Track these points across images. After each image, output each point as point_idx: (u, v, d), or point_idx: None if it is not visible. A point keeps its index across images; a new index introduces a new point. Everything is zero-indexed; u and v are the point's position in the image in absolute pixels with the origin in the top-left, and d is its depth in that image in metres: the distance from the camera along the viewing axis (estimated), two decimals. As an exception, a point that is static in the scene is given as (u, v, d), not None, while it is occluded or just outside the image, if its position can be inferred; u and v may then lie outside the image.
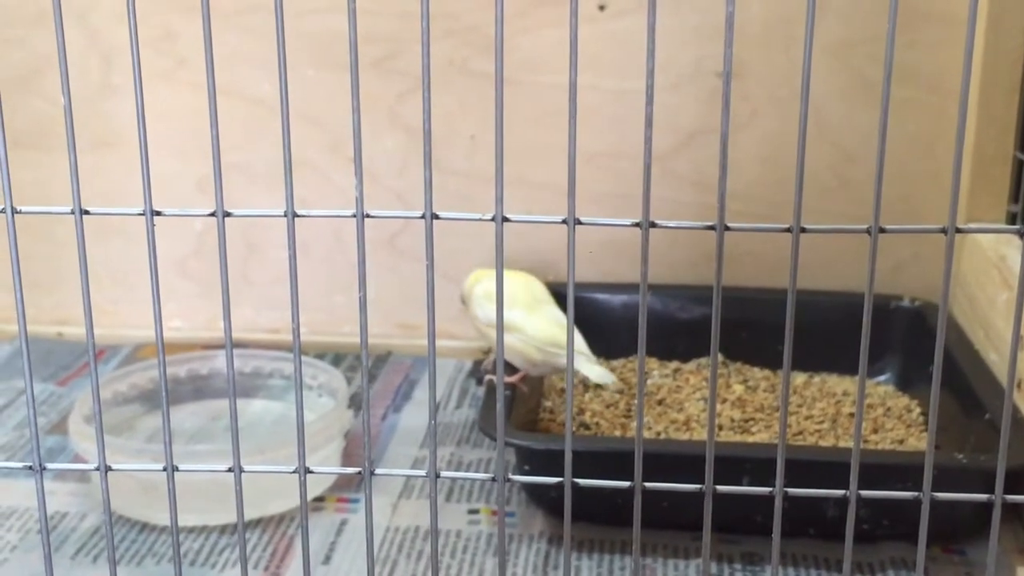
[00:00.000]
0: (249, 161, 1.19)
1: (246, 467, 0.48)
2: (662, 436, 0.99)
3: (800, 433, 0.99)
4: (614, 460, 0.86)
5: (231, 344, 0.50)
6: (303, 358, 1.07)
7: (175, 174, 1.18)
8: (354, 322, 1.15)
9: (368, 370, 1.26)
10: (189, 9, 1.17)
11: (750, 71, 1.14)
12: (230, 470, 0.48)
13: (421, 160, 0.50)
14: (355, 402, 1.06)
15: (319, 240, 1.22)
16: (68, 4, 0.52)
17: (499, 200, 0.47)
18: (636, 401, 1.05)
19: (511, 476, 0.46)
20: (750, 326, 1.09)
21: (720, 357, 1.13)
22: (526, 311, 0.96)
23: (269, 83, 1.18)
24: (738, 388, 1.07)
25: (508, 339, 0.95)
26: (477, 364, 1.14)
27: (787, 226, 0.46)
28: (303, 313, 1.28)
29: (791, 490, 0.49)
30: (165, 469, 0.47)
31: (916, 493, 0.47)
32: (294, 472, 0.48)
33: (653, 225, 0.46)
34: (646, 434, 0.99)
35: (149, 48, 1.17)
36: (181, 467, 0.48)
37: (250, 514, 0.91)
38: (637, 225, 0.47)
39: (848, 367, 1.10)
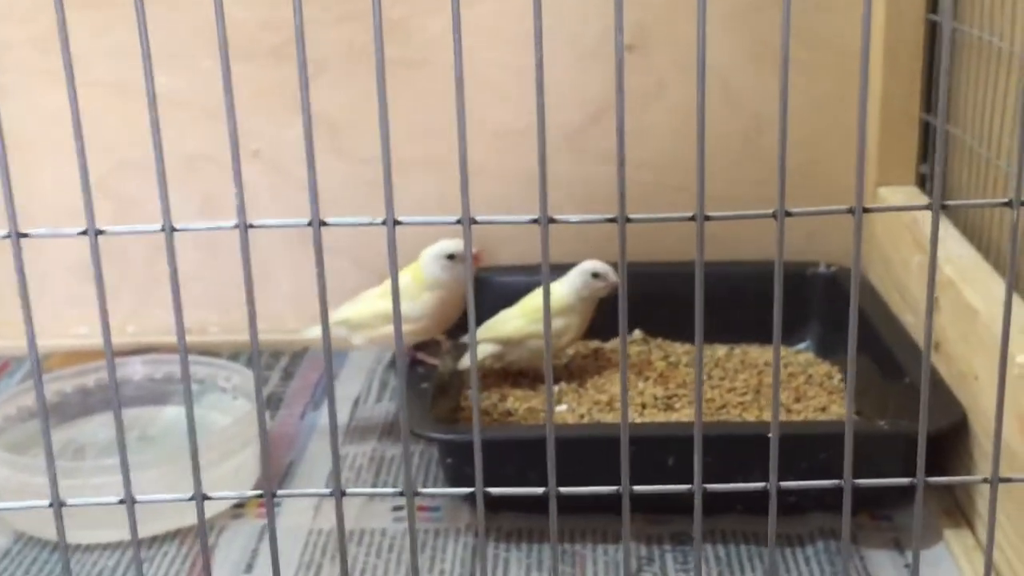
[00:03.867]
0: (148, 157, 1.14)
1: (139, 497, 0.46)
2: (586, 419, 0.97)
3: (724, 407, 0.99)
4: (536, 449, 0.84)
5: (186, 355, 0.48)
6: (216, 360, 1.04)
7: (70, 175, 1.14)
8: (268, 319, 1.11)
9: (284, 368, 1.21)
10: (78, 4, 1.12)
11: (655, 42, 1.13)
12: (122, 502, 0.45)
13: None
14: (272, 402, 1.03)
15: (227, 236, 1.18)
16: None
17: (466, 207, 0.45)
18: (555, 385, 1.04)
19: (420, 490, 0.44)
20: (668, 301, 1.08)
21: (639, 334, 1.12)
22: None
23: (164, 75, 1.14)
24: (660, 364, 1.06)
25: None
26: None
27: (772, 211, 0.44)
28: (213, 313, 1.24)
29: (709, 486, 0.48)
30: (52, 505, 0.45)
31: (838, 481, 0.46)
32: (191, 500, 0.45)
33: (629, 220, 0.45)
34: (570, 418, 0.97)
35: (37, 47, 1.13)
36: (69, 502, 0.45)
37: (168, 525, 0.88)
38: (612, 220, 0.45)
39: (768, 337, 1.09)
